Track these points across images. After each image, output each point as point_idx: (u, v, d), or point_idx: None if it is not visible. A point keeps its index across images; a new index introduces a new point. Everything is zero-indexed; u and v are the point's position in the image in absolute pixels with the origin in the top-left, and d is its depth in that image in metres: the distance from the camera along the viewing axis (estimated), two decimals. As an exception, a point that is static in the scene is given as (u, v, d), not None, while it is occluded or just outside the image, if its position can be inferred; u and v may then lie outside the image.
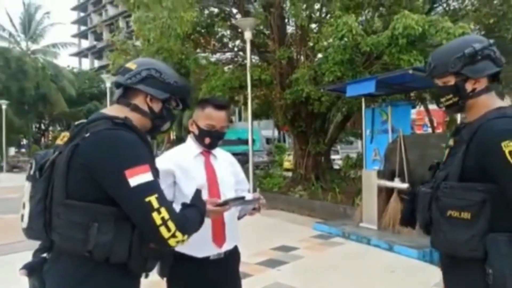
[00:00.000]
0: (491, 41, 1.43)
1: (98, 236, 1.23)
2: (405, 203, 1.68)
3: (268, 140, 26.39)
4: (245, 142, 11.26)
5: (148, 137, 1.50)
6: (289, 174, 11.93)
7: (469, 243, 1.29)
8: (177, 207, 1.68)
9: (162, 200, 1.26)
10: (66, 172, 1.27)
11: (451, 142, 1.53)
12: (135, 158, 1.26)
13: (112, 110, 1.45)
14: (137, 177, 1.23)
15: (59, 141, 1.39)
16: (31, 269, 1.37)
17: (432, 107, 12.02)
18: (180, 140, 31.18)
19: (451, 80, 1.43)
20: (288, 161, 16.73)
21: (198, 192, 1.53)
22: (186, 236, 1.29)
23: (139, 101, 1.45)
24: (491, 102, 1.42)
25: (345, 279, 4.22)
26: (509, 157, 1.23)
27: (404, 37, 6.24)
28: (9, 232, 6.48)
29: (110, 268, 1.27)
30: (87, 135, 1.29)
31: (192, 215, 1.41)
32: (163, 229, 1.23)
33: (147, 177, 1.25)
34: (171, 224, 1.24)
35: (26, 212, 1.36)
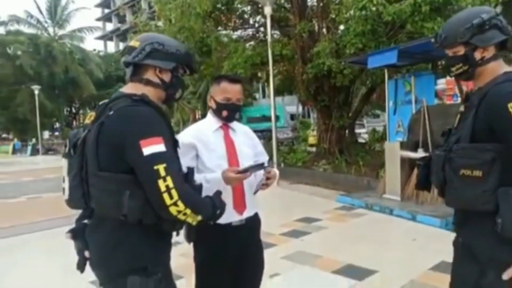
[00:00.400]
0: (498, 11, 1.52)
1: (130, 202, 1.37)
2: (419, 168, 1.75)
3: (292, 116, 26.25)
4: (269, 119, 11.33)
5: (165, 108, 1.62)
6: (314, 149, 11.97)
7: (482, 198, 1.40)
8: (199, 177, 1.83)
9: (170, 170, 1.36)
10: (96, 147, 1.42)
11: (462, 108, 1.61)
12: (150, 130, 1.38)
13: (128, 88, 1.55)
14: (150, 147, 1.35)
15: (87, 120, 1.55)
16: (74, 234, 1.56)
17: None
18: (204, 117, 31.46)
19: (461, 50, 1.51)
20: (313, 136, 16.69)
21: (217, 192, 1.63)
22: (189, 210, 1.37)
23: (149, 75, 1.55)
24: (499, 68, 1.50)
25: (367, 246, 4.33)
26: None
27: (427, 4, 6.06)
28: (48, 209, 6.96)
29: (144, 228, 1.42)
30: (111, 113, 1.43)
31: (204, 199, 1.53)
32: (165, 196, 1.33)
33: (159, 148, 1.36)
34: (174, 193, 1.34)
35: (66, 185, 1.54)
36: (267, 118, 16.72)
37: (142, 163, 1.36)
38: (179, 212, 1.36)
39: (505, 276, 1.41)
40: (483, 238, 1.45)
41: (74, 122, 41.76)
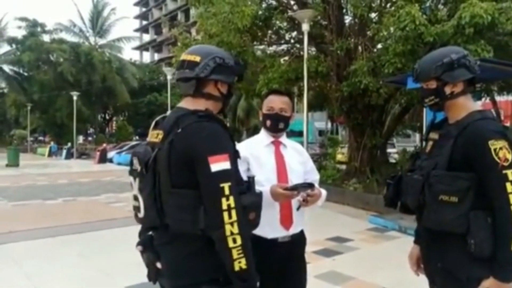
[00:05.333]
0: (466, 52, 1.69)
1: (206, 216, 1.39)
2: (389, 187, 1.89)
3: (320, 132, 26.12)
4: (298, 133, 11.29)
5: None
6: (342, 167, 11.82)
7: (457, 221, 1.55)
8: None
9: (233, 189, 1.39)
10: (168, 165, 1.43)
11: (434, 136, 1.76)
12: (217, 146, 1.42)
13: (189, 103, 1.57)
14: (218, 164, 1.38)
15: (154, 139, 1.57)
16: (144, 246, 1.58)
17: (501, 98, 11.20)
18: (233, 131, 31.84)
19: (433, 84, 1.69)
20: (341, 153, 16.48)
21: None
22: (239, 237, 1.37)
23: (210, 89, 1.57)
24: (467, 103, 1.68)
25: (401, 271, 4.17)
26: (493, 154, 1.50)
27: (471, 26, 5.94)
28: (82, 212, 7.17)
29: None
30: (179, 131, 1.46)
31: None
32: (225, 214, 1.35)
33: (226, 165, 1.39)
34: (233, 213, 1.36)
35: (141, 204, 1.56)
36: (295, 133, 16.67)
37: (209, 179, 1.39)
38: (231, 233, 1.36)
39: None
40: (458, 259, 1.59)
41: (107, 129, 43.05)
